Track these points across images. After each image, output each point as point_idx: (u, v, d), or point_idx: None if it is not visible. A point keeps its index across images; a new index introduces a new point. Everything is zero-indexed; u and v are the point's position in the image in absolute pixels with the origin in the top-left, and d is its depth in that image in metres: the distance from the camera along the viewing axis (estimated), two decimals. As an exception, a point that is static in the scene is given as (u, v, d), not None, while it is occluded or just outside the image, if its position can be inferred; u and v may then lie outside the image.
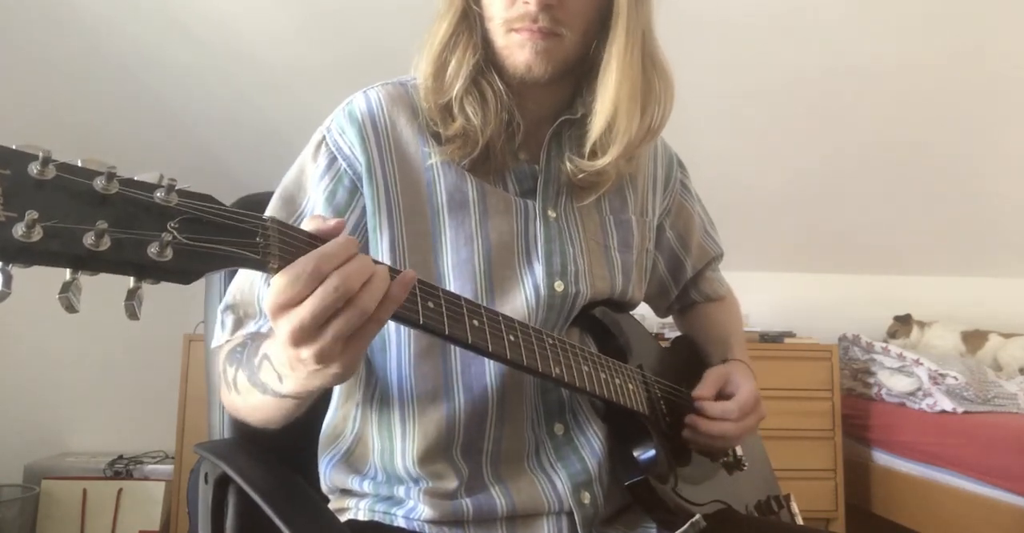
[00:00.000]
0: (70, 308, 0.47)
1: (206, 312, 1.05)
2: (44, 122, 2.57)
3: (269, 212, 0.87)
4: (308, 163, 0.88)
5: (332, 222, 0.61)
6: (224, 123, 2.66)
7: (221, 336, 0.86)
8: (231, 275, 0.93)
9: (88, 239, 0.46)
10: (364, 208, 0.86)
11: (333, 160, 0.87)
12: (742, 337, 1.15)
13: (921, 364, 2.65)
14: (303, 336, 0.57)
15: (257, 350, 0.71)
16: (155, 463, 2.76)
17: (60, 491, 2.64)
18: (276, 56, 2.40)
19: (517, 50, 0.84)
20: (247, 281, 0.85)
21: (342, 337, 0.58)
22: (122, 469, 2.71)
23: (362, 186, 0.86)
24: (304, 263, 0.56)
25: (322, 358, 0.59)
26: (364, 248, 0.87)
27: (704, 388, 0.95)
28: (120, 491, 2.65)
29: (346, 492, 0.90)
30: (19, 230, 0.44)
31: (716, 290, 1.18)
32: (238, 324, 0.85)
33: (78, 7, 2.22)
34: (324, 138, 0.89)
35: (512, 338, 0.73)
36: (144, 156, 2.73)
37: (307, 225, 0.60)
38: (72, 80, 2.46)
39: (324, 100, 1.05)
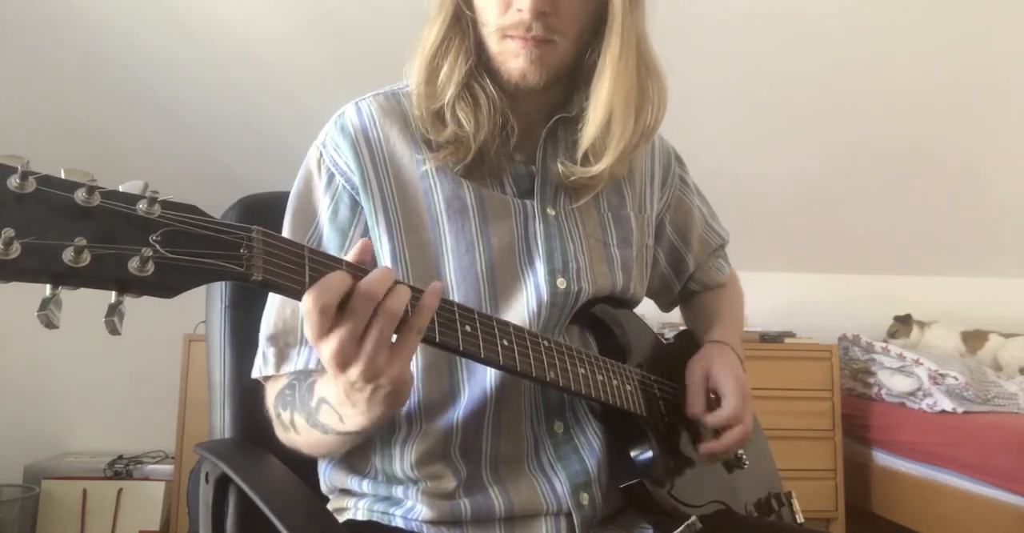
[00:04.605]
0: (49, 325, 0.46)
1: (207, 312, 1.05)
2: (45, 124, 2.57)
3: (287, 226, 0.87)
4: (314, 178, 0.88)
5: (358, 246, 0.66)
6: (225, 124, 2.65)
7: (264, 369, 0.84)
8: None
9: (67, 255, 0.45)
10: (366, 222, 0.86)
11: (332, 177, 0.87)
12: (734, 318, 1.13)
13: (921, 364, 2.64)
14: (345, 356, 0.60)
15: (312, 393, 0.73)
16: (155, 463, 2.76)
17: (60, 491, 2.64)
18: (277, 57, 2.40)
19: (511, 58, 0.83)
20: (288, 308, 0.84)
21: (382, 346, 0.60)
22: (122, 469, 2.71)
23: (360, 200, 0.86)
24: (325, 289, 0.58)
25: (370, 374, 0.61)
26: (371, 261, 0.87)
27: (693, 402, 0.94)
28: (120, 491, 2.65)
29: (345, 492, 0.90)
30: None
31: (715, 278, 1.16)
32: (280, 357, 0.84)
33: (80, 9, 2.22)
34: (321, 154, 0.89)
35: (506, 343, 0.73)
36: (145, 157, 2.73)
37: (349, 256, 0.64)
38: (74, 82, 2.46)
39: (325, 101, 1.05)
